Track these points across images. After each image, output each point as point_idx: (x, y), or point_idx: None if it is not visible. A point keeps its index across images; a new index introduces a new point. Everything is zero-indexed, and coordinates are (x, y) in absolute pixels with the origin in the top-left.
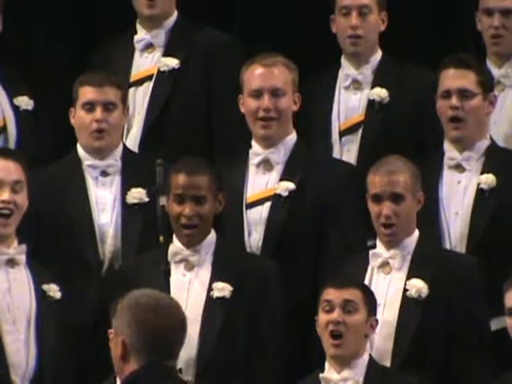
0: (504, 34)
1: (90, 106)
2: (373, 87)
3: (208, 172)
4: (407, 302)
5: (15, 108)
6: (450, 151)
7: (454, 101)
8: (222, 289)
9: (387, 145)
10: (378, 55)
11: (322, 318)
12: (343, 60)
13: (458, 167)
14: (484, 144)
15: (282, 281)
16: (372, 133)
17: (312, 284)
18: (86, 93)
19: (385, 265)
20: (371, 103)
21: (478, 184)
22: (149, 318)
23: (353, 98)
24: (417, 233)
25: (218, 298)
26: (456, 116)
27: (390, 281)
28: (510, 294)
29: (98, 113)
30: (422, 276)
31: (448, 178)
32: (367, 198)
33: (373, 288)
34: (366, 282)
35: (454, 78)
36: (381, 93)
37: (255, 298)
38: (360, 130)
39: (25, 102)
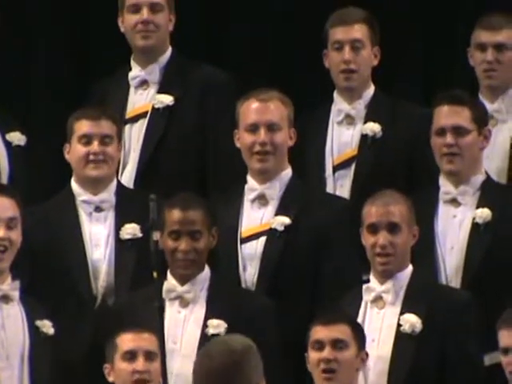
0: (497, 69)
1: (86, 140)
2: (366, 122)
3: (202, 207)
4: (401, 337)
5: (7, 144)
6: (445, 186)
7: (449, 138)
8: (217, 326)
9: (380, 179)
10: (371, 90)
11: (313, 356)
12: (336, 95)
13: (454, 202)
14: (479, 178)
15: (278, 316)
16: (365, 167)
17: (308, 319)
18: (83, 126)
19: (378, 299)
20: (364, 138)
21: (474, 218)
22: None
23: (346, 132)
24: (410, 267)
25: (213, 334)
26: (451, 153)
27: (384, 315)
28: (503, 332)
29: (95, 145)
30: (415, 311)
31: (443, 212)
32: (362, 231)
33: (366, 323)
34: (360, 316)
35: (448, 116)
36: (374, 127)
37: (250, 334)
38: (353, 165)
39: (17, 138)
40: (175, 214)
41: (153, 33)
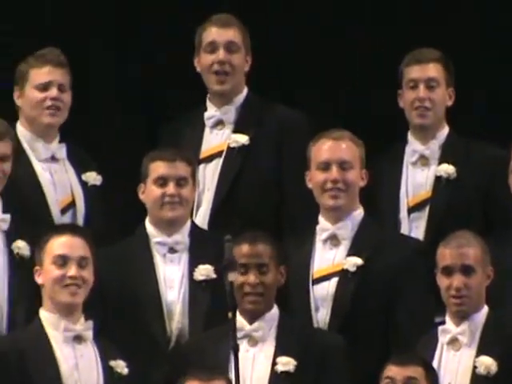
0: None
1: (162, 181)
2: (440, 163)
3: (270, 243)
4: (477, 379)
5: (83, 184)
6: None
7: None
8: (287, 363)
9: (455, 221)
10: (445, 130)
11: None
12: (410, 135)
13: None
14: None
15: (349, 356)
16: (440, 209)
17: (380, 361)
18: (158, 168)
19: (454, 341)
20: (438, 179)
21: None
22: None
23: (420, 174)
24: (486, 308)
25: (282, 372)
26: None
27: (460, 357)
28: None
29: (171, 187)
30: (491, 353)
31: None
32: (436, 273)
33: (442, 365)
34: (436, 359)
35: None
36: (448, 169)
37: (320, 373)
38: (428, 207)
39: (93, 178)
40: (243, 248)
41: (228, 75)
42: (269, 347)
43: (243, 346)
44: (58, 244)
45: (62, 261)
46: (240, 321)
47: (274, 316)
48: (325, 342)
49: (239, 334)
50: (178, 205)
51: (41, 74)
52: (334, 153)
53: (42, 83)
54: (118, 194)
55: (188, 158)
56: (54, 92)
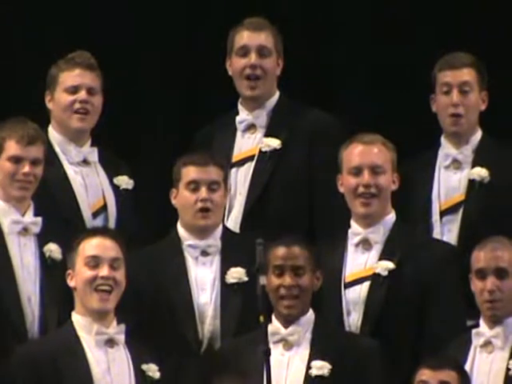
0: None
1: (194, 186)
2: (473, 166)
3: (306, 246)
4: (510, 382)
5: (115, 187)
6: None
7: None
8: (321, 367)
9: (488, 225)
10: (478, 134)
11: None
12: (443, 140)
13: None
14: None
15: (381, 360)
16: (473, 212)
17: (411, 364)
18: (190, 172)
19: (487, 344)
20: (472, 183)
21: None
22: None
23: (453, 177)
24: None
25: (316, 376)
26: None
27: (493, 360)
28: None
29: (203, 192)
30: None
31: None
32: (470, 276)
33: (475, 368)
34: (469, 361)
35: None
36: (481, 172)
37: (355, 377)
38: (461, 210)
39: (125, 182)
40: (279, 250)
41: (260, 79)
42: (304, 351)
43: (278, 349)
44: (90, 246)
45: (94, 262)
46: (275, 325)
47: (310, 320)
48: (360, 346)
49: (274, 338)
50: (210, 212)
51: (70, 76)
52: (365, 157)
53: (72, 86)
54: (149, 198)
55: (220, 163)
56: (82, 95)
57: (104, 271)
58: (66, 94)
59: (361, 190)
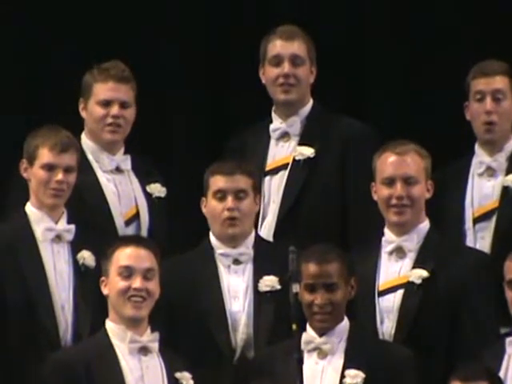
0: None
1: (221, 195)
2: (507, 174)
3: (338, 259)
4: None
5: (148, 195)
6: None
7: None
8: (355, 376)
9: None
10: None
11: None
12: (477, 147)
13: None
14: None
15: (415, 369)
16: (506, 220)
17: (445, 374)
18: (217, 181)
19: None
20: (505, 190)
21: None
22: None
23: (487, 184)
24: None
25: None
26: None
27: None
28: None
29: (229, 201)
30: None
31: None
32: (504, 285)
33: (509, 376)
34: (503, 369)
35: None
36: None
37: None
38: (494, 217)
39: (157, 190)
40: (311, 268)
41: (293, 87)
42: (338, 360)
43: (312, 358)
44: (124, 255)
45: (128, 272)
46: (310, 333)
47: (344, 329)
48: (394, 355)
49: (309, 347)
50: (237, 221)
51: (103, 89)
52: (398, 168)
53: (104, 100)
54: (182, 206)
55: (249, 171)
56: (115, 110)
57: (137, 283)
58: (98, 106)
59: (394, 201)
